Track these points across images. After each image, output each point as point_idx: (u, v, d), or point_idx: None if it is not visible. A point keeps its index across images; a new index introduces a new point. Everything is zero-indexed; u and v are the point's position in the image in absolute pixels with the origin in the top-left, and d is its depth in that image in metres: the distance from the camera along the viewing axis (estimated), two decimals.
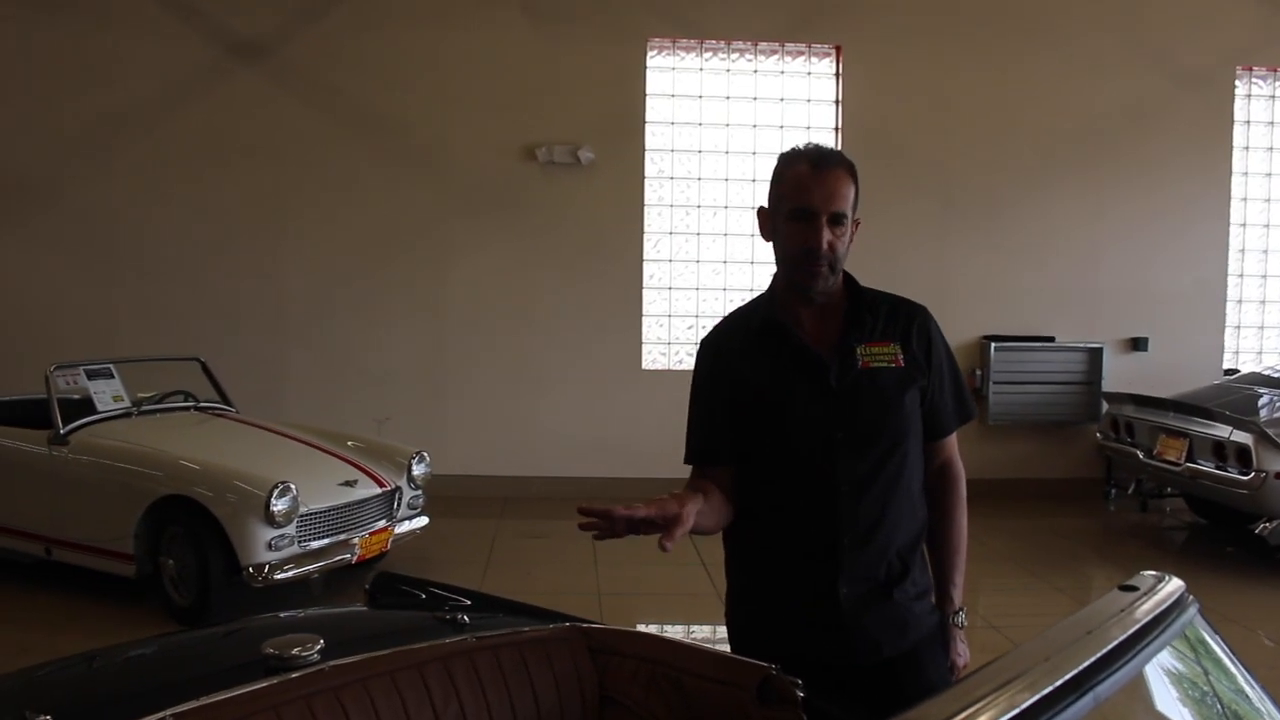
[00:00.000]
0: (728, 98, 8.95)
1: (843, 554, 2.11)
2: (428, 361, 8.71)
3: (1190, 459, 6.90)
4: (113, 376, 6.27)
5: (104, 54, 8.36)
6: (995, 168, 8.99)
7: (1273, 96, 9.42)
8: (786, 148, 2.20)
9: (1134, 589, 1.47)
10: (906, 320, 2.20)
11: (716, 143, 8.96)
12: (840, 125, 8.93)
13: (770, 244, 2.20)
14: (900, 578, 2.15)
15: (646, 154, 8.83)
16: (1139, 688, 1.35)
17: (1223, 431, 6.66)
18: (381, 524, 5.90)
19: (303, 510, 5.35)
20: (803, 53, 8.98)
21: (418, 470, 6.21)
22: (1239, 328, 9.56)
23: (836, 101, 8.96)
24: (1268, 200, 9.48)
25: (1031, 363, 8.96)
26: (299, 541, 5.37)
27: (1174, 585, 1.50)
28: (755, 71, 8.98)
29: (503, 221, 8.67)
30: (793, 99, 8.99)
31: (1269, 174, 9.46)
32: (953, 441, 2.29)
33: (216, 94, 8.47)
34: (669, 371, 8.79)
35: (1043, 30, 8.88)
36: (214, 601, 5.26)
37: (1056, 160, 8.97)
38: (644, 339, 8.91)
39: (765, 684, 1.83)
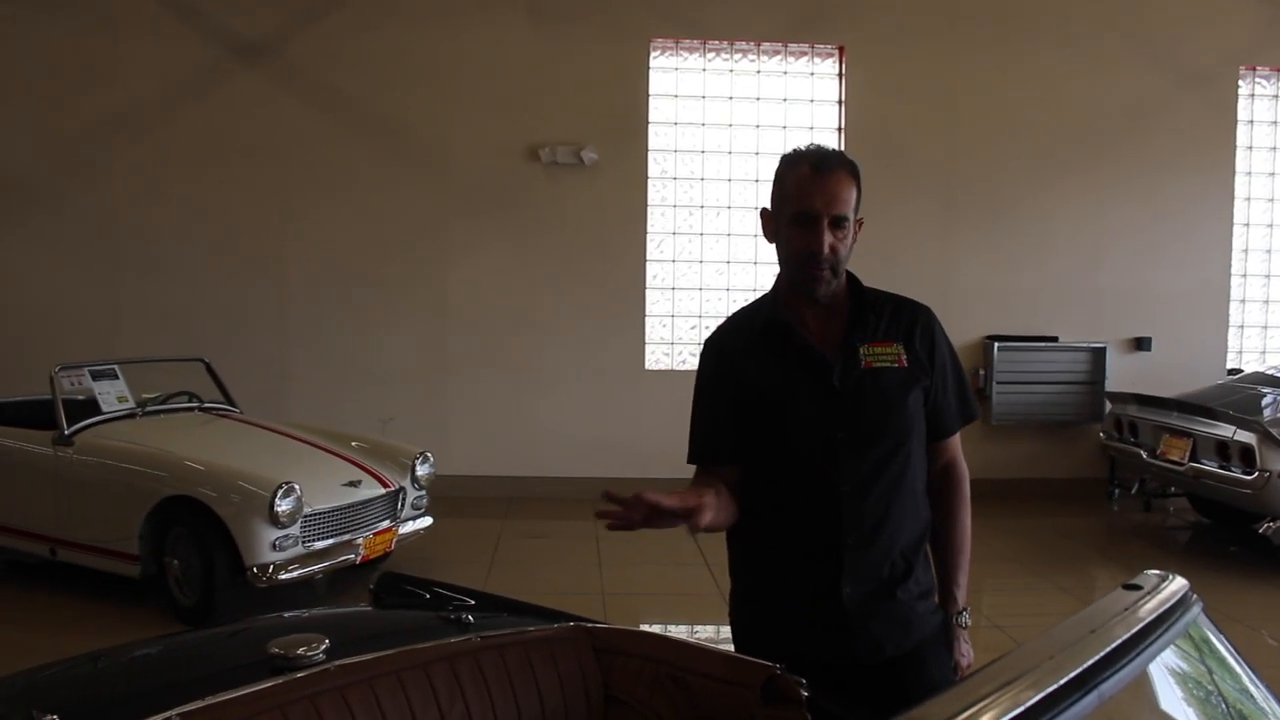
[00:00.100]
0: (731, 98, 8.95)
1: (846, 554, 2.11)
2: (431, 362, 8.72)
3: (1194, 459, 6.90)
4: (117, 377, 6.28)
5: (105, 54, 8.37)
6: (998, 167, 8.99)
7: (1276, 96, 9.40)
8: (789, 148, 2.20)
9: (1138, 588, 1.47)
10: (910, 320, 2.20)
11: (719, 143, 8.96)
12: (843, 125, 8.92)
13: (773, 245, 2.21)
14: (904, 577, 2.16)
15: (650, 154, 8.84)
16: (1143, 686, 1.36)
17: (1226, 431, 6.65)
18: (385, 524, 5.90)
19: (307, 510, 5.36)
20: (805, 53, 8.98)
21: (421, 471, 6.22)
22: (1242, 327, 9.55)
23: (839, 102, 8.95)
24: (1271, 200, 9.47)
25: (1035, 363, 8.96)
26: (303, 542, 5.38)
27: (1178, 584, 1.51)
28: (758, 72, 8.98)
29: (506, 222, 8.67)
30: (796, 99, 8.99)
31: (1272, 173, 9.45)
32: (956, 442, 2.30)
33: (218, 94, 8.48)
34: (672, 372, 8.79)
35: (1046, 30, 8.87)
36: (218, 602, 5.27)
37: (1059, 160, 8.96)
38: (647, 339, 8.91)
39: (770, 683, 1.83)
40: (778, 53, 8.97)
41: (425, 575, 2.60)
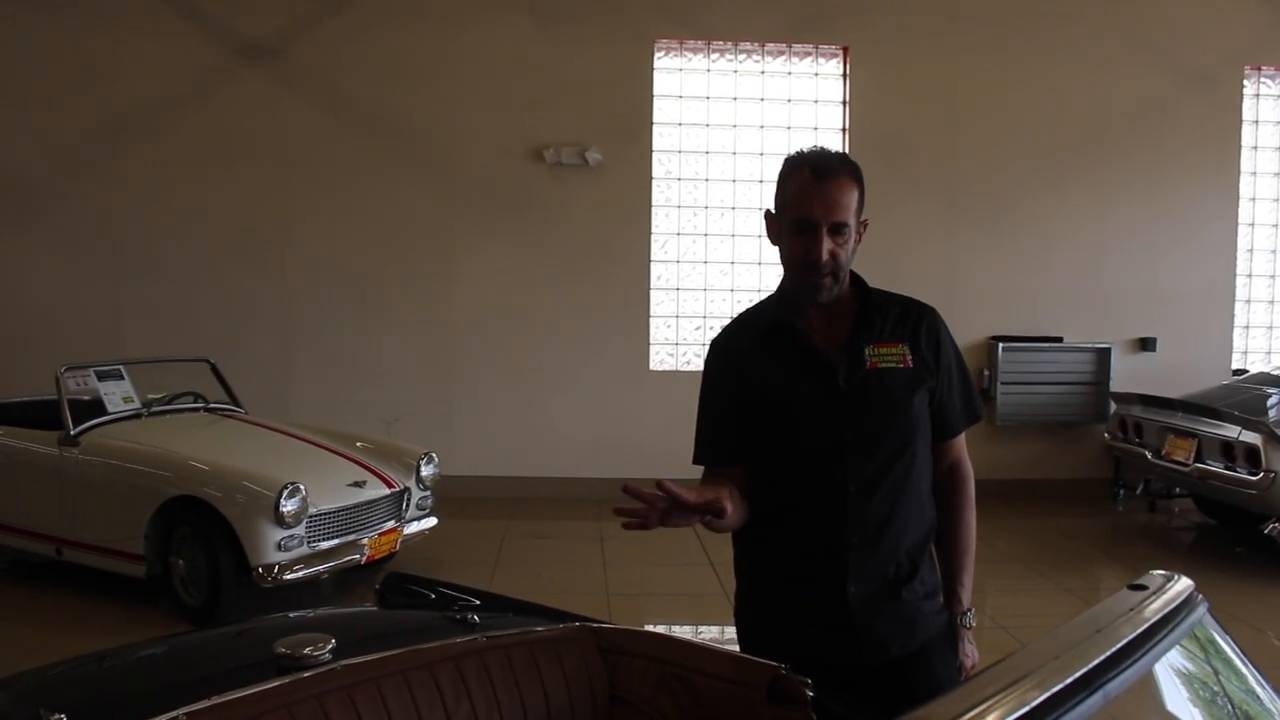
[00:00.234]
0: (735, 99, 8.95)
1: (851, 554, 2.11)
2: (435, 362, 8.73)
3: (1199, 459, 6.89)
4: (122, 378, 6.30)
5: (108, 55, 8.38)
6: (1002, 168, 8.98)
7: None
8: (793, 149, 2.21)
9: (1143, 588, 1.47)
10: (915, 321, 2.20)
11: (724, 144, 8.97)
12: (847, 126, 8.92)
13: (777, 248, 2.21)
14: (909, 577, 2.16)
15: (654, 155, 8.84)
16: (1148, 687, 1.36)
17: (1231, 432, 6.64)
18: (390, 525, 5.91)
19: (312, 511, 5.36)
20: (810, 54, 8.98)
21: (426, 471, 6.22)
22: (1248, 328, 9.54)
23: (844, 102, 8.95)
24: (1276, 200, 9.45)
25: (1039, 363, 8.95)
26: (308, 542, 5.38)
27: (1183, 584, 1.51)
28: (762, 72, 8.98)
29: (510, 222, 8.68)
30: (800, 100, 8.99)
31: (1277, 173, 9.43)
32: (961, 442, 2.30)
33: (222, 95, 8.50)
34: (676, 372, 8.79)
35: (1050, 30, 8.86)
36: (223, 602, 5.28)
37: (1064, 160, 8.95)
38: (651, 340, 8.92)
39: (775, 684, 1.84)
40: (782, 53, 8.97)
41: (430, 575, 2.61)
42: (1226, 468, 6.66)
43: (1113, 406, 8.29)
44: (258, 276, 8.59)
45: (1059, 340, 9.02)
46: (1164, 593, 1.46)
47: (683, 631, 5.64)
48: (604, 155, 8.61)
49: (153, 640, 2.30)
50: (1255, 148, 9.35)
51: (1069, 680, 1.15)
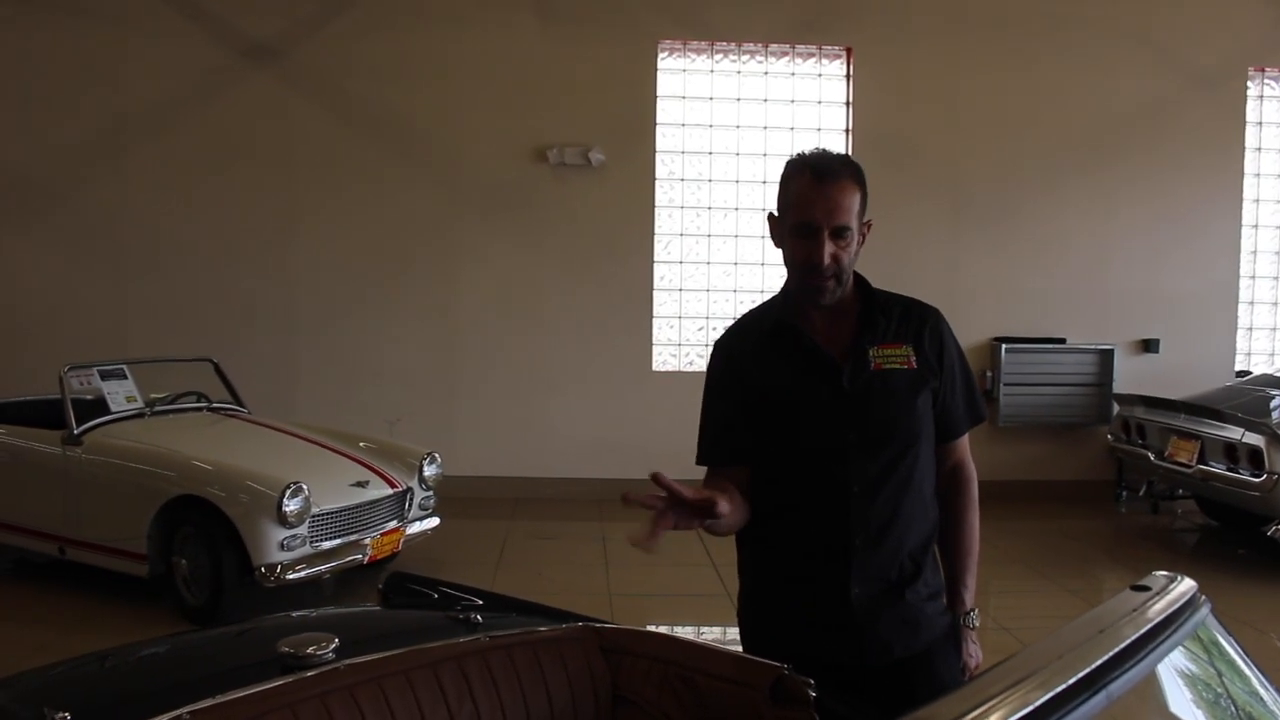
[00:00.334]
0: (738, 99, 8.95)
1: (854, 555, 2.11)
2: (438, 362, 8.74)
3: (1202, 461, 6.88)
4: (126, 377, 6.31)
5: (111, 56, 8.40)
6: (1006, 169, 8.97)
7: None
8: (796, 150, 2.20)
9: (1146, 589, 1.47)
10: (919, 322, 2.20)
11: (727, 144, 8.97)
12: (851, 127, 8.92)
13: (780, 250, 2.21)
14: (912, 578, 2.16)
15: (657, 156, 8.84)
16: (1151, 687, 1.36)
17: (1234, 433, 6.63)
18: (393, 524, 5.92)
19: (315, 510, 5.37)
20: (813, 55, 8.98)
21: (429, 471, 6.22)
22: (1251, 329, 9.53)
23: (847, 103, 8.95)
24: None
25: (1042, 364, 8.94)
26: (311, 542, 5.39)
27: (1186, 585, 1.50)
28: (766, 73, 8.98)
29: (514, 223, 8.69)
30: (803, 101, 8.99)
31: None
32: (964, 443, 2.30)
33: (227, 96, 8.51)
34: (679, 373, 8.79)
35: (1054, 32, 8.86)
36: (226, 601, 5.29)
37: (1067, 162, 8.94)
38: (654, 340, 8.92)
39: (778, 684, 1.84)
40: (785, 54, 8.97)
41: (433, 575, 2.61)
42: (1229, 469, 6.65)
43: (1115, 408, 8.29)
44: (260, 276, 8.60)
45: (1062, 341, 9.02)
46: (1167, 594, 1.46)
47: (685, 632, 5.64)
48: (607, 156, 8.61)
49: (155, 639, 2.31)
50: (1259, 149, 9.34)
51: (1072, 681, 1.14)
